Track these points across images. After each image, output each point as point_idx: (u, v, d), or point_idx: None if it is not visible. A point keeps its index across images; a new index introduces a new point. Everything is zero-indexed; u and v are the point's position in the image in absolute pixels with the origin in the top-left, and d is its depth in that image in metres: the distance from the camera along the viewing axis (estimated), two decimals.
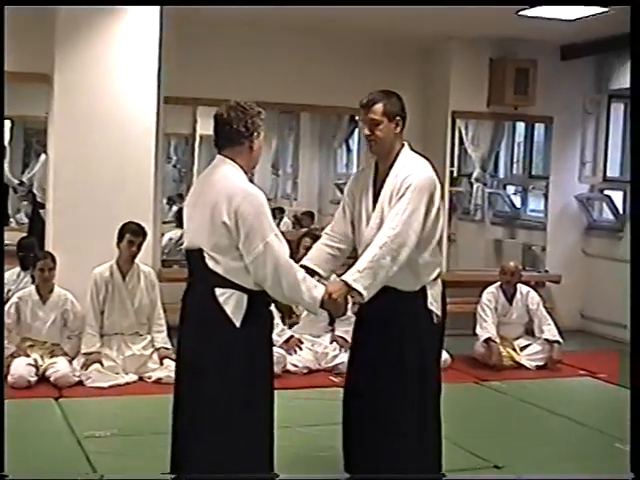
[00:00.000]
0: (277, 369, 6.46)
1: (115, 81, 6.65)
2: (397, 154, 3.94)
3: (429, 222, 3.84)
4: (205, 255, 3.51)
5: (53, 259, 6.33)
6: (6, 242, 8.37)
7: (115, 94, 6.64)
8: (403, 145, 3.99)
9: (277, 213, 9.55)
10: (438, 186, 3.94)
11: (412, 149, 4.01)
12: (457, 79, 8.40)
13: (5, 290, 7.04)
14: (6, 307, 6.31)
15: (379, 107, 3.89)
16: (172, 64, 7.06)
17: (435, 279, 3.97)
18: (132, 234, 6.25)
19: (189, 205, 3.74)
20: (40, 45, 6.58)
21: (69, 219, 6.62)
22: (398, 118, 3.92)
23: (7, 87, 7.12)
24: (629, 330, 3.64)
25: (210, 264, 3.50)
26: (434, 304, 3.93)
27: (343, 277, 3.76)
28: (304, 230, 8.90)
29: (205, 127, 9.34)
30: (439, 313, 3.94)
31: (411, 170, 3.86)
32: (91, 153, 6.61)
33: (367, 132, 3.93)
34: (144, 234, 6.31)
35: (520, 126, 9.39)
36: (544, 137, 9.14)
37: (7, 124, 9.01)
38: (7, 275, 7.21)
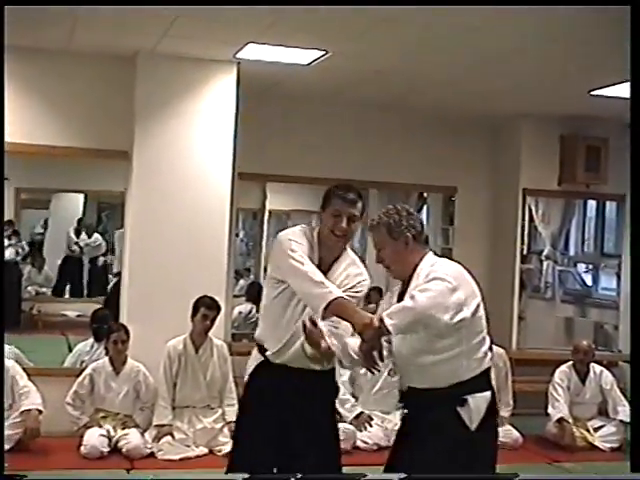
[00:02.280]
0: (347, 445, 6.46)
1: (192, 158, 6.81)
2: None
3: None
4: None
5: (126, 331, 6.43)
6: (80, 313, 8.56)
7: (192, 170, 6.79)
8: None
9: None
10: None
11: None
12: (528, 156, 8.42)
13: (79, 361, 7.17)
14: (80, 378, 6.41)
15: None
16: (245, 140, 7.20)
17: None
18: (207, 308, 6.34)
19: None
20: (120, 123, 6.76)
21: (143, 292, 6.72)
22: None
23: (83, 163, 7.45)
24: None
25: None
26: None
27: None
28: (372, 306, 8.90)
29: (274, 202, 9.48)
30: None
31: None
32: (167, 228, 6.74)
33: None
34: (218, 308, 6.39)
35: (591, 203, 9.34)
36: (616, 215, 9.07)
37: (80, 198, 9.26)
38: (80, 346, 7.33)
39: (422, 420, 3.57)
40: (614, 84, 6.80)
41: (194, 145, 6.82)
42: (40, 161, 7.14)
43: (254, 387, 4.01)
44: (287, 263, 3.77)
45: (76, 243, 9.43)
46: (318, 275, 3.68)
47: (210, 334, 6.48)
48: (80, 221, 9.41)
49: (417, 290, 3.39)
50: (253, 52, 6.40)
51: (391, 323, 3.29)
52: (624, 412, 7.02)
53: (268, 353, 3.94)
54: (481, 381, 3.52)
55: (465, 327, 3.43)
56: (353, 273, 3.92)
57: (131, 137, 6.76)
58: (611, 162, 8.37)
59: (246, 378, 4.05)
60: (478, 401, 3.48)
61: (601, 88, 6.97)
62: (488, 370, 3.56)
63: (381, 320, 3.32)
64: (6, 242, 8.49)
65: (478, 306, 3.49)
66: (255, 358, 4.03)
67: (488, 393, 3.52)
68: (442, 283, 3.38)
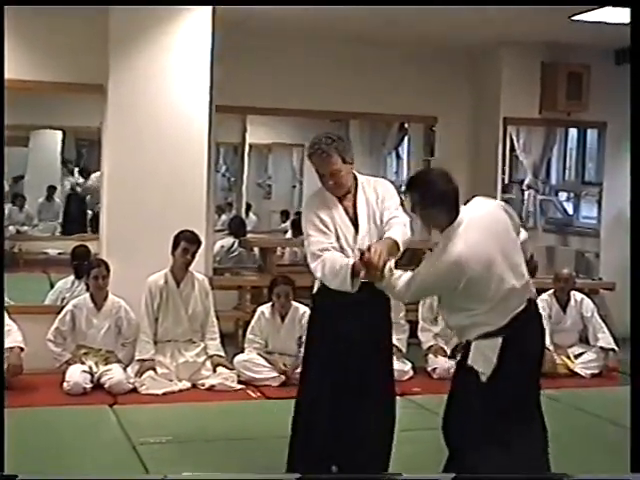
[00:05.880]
0: None
1: (168, 90, 6.71)
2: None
3: None
4: None
5: (107, 267, 6.39)
6: (60, 251, 8.52)
7: (168, 103, 6.70)
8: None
9: None
10: None
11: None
12: (508, 85, 8.34)
13: (60, 298, 7.15)
14: (61, 315, 6.39)
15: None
16: (223, 73, 7.09)
17: None
18: (187, 242, 6.30)
19: None
20: (94, 56, 6.62)
21: (122, 227, 6.68)
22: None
23: (61, 99, 7.36)
24: None
25: None
26: None
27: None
28: None
29: (254, 136, 9.40)
30: None
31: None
32: (144, 162, 6.67)
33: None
34: (199, 242, 6.35)
35: (573, 132, 9.30)
36: (597, 143, 9.04)
37: (59, 135, 9.15)
38: (61, 283, 7.32)
39: None
40: (595, 8, 6.70)
41: (170, 77, 6.71)
42: (16, 98, 6.99)
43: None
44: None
45: (77, 184, 9.42)
46: None
47: (191, 268, 6.46)
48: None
49: None
50: None
51: None
52: (604, 339, 7.10)
53: None
54: None
55: None
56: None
57: (106, 70, 6.64)
58: (592, 89, 8.31)
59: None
60: None
61: (582, 13, 6.87)
62: None
63: None
64: None
65: None
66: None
67: None
68: None
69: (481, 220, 3.74)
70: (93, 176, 8.95)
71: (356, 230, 4.14)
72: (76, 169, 9.49)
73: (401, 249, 3.98)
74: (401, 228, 4.05)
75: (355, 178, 4.25)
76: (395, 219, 4.11)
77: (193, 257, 6.36)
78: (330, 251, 4.05)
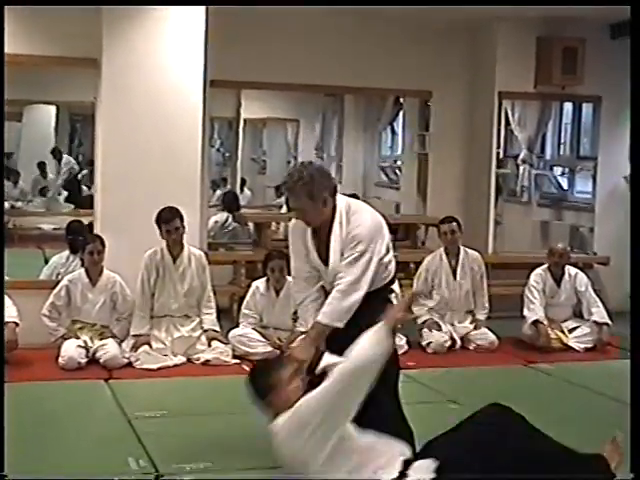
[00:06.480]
0: None
1: (162, 65, 6.68)
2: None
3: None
4: None
5: (102, 242, 6.38)
6: (55, 226, 8.51)
7: (162, 78, 6.67)
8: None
9: None
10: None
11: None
12: (503, 59, 8.30)
13: (55, 273, 7.15)
14: (56, 290, 6.39)
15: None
16: (217, 47, 7.06)
17: None
18: (165, 223, 6.23)
19: None
20: (88, 30, 6.57)
21: (117, 202, 6.68)
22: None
23: (55, 73, 7.32)
24: None
25: None
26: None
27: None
28: None
29: (249, 110, 9.37)
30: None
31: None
32: (139, 136, 6.65)
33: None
34: (179, 216, 6.26)
35: (568, 106, 9.28)
36: (592, 117, 9.02)
37: (52, 110, 9.12)
38: (56, 258, 7.32)
39: None
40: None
41: (164, 51, 6.68)
42: (9, 72, 6.97)
43: None
44: None
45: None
46: None
47: (188, 245, 6.44)
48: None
49: None
50: None
51: None
52: (598, 313, 7.11)
53: None
54: None
55: None
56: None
57: (99, 44, 6.60)
58: (588, 63, 8.29)
59: None
60: None
61: None
62: None
63: None
64: None
65: None
66: None
67: None
68: None
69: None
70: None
71: (326, 264, 4.04)
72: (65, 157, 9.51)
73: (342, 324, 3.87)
74: (332, 307, 3.91)
75: (334, 208, 4.01)
76: (337, 288, 3.93)
77: (180, 232, 6.29)
78: (307, 288, 4.11)
